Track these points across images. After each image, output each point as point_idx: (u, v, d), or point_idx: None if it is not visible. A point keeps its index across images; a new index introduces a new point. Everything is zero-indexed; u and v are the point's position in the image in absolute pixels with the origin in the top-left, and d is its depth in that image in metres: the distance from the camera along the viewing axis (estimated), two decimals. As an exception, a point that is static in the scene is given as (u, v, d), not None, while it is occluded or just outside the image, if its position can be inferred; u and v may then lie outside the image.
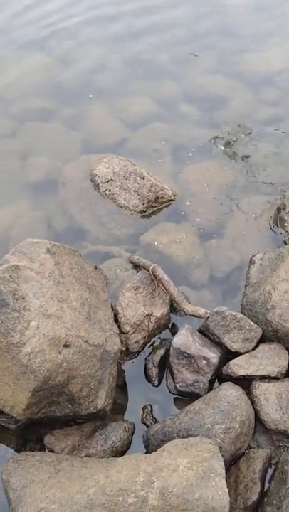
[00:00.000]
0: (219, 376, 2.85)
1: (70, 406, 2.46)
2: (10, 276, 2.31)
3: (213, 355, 2.74)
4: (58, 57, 5.03)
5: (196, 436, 2.46)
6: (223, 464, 2.18)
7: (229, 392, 2.58)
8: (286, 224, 3.39)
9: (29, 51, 5.20)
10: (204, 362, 2.72)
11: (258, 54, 4.83)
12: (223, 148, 4.03)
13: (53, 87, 4.72)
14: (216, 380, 2.87)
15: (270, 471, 2.56)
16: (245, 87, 4.49)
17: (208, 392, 2.72)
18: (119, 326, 2.87)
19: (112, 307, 2.99)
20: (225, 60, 4.79)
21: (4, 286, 2.24)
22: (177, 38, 5.08)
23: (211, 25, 5.17)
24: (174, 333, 3.04)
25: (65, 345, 2.31)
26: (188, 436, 2.47)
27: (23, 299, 2.27)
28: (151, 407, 2.80)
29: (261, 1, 5.58)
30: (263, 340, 2.88)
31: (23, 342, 2.18)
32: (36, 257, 2.58)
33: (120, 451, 2.59)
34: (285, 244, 3.39)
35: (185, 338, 2.78)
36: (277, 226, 3.50)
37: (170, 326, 3.11)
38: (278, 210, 3.50)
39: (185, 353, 2.74)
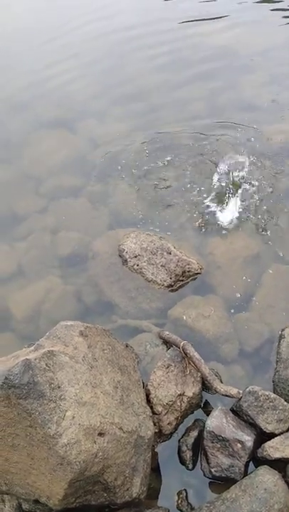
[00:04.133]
0: (254, 458, 2.80)
1: (105, 495, 2.45)
2: (46, 365, 2.37)
3: (248, 438, 2.71)
4: (84, 136, 5.32)
5: (233, 526, 2.41)
6: None
7: (266, 478, 2.54)
8: (313, 297, 3.41)
9: (56, 130, 5.51)
10: (239, 445, 2.69)
11: (275, 126, 5.03)
12: (246, 220, 4.12)
13: (80, 164, 4.97)
14: (252, 462, 2.82)
15: None
16: (264, 160, 4.64)
17: (243, 476, 2.67)
18: (151, 407, 2.88)
19: (143, 385, 3.02)
20: (242, 133, 4.99)
21: (41, 376, 2.31)
22: (195, 113, 5.35)
23: (227, 100, 5.44)
24: (206, 412, 3.04)
25: (100, 434, 2.33)
26: (225, 527, 2.42)
27: (59, 387, 2.33)
28: (186, 491, 2.76)
29: (272, 75, 5.84)
30: (297, 419, 2.85)
31: (60, 433, 2.22)
32: (70, 340, 2.66)
33: None
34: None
35: (219, 421, 2.76)
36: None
37: (202, 404, 3.10)
38: (304, 282, 3.54)
39: (219, 436, 2.71)
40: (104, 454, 2.34)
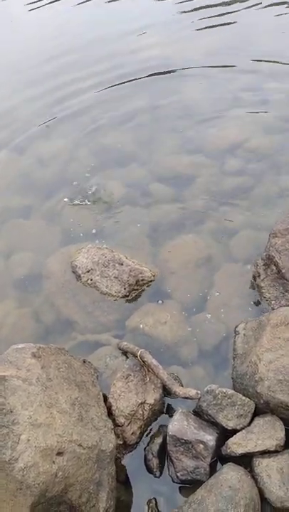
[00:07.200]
0: (220, 456, 2.82)
1: (71, 514, 2.43)
2: (-3, 391, 2.35)
3: (210, 438, 2.73)
4: (28, 155, 5.31)
5: (203, 527, 2.42)
6: None
7: (230, 475, 2.56)
8: (263, 291, 3.48)
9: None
10: (202, 446, 2.71)
11: (216, 130, 5.14)
12: (195, 223, 4.19)
13: (27, 183, 4.96)
14: (219, 461, 2.84)
15: None
16: (208, 163, 4.74)
17: (210, 476, 2.69)
18: (113, 420, 2.88)
19: (105, 399, 3.01)
20: (186, 139, 5.08)
21: (-9, 402, 2.28)
22: (139, 125, 5.42)
23: (170, 109, 5.54)
24: (170, 417, 3.04)
25: (58, 453, 2.32)
26: (195, 529, 2.43)
27: (12, 412, 2.30)
28: (155, 500, 2.75)
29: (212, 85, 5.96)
30: (257, 412, 2.89)
31: (16, 458, 2.19)
32: (22, 363, 2.64)
33: None
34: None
35: (180, 424, 2.78)
36: (255, 292, 3.59)
37: (165, 410, 3.11)
38: (254, 277, 3.61)
39: (182, 439, 2.73)
40: (65, 472, 2.32)
